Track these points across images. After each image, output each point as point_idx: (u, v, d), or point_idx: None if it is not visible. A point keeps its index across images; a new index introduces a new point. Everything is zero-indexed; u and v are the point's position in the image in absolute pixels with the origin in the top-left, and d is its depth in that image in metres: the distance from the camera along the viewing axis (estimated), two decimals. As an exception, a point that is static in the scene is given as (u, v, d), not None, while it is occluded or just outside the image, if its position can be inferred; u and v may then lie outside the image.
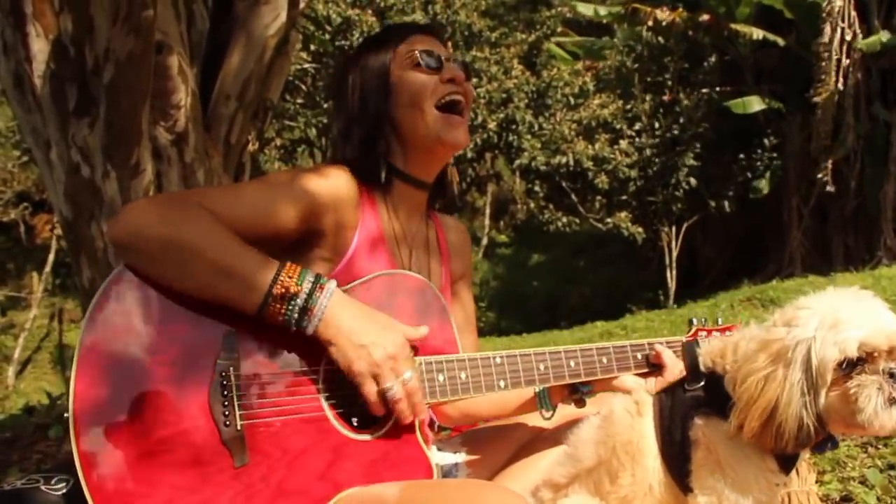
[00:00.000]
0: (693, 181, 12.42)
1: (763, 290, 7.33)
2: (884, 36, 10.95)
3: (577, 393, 1.73)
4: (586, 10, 13.52)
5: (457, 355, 1.54)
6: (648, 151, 12.58)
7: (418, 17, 11.88)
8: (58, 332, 14.92)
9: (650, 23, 12.38)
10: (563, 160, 12.14)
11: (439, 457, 1.76)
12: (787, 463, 1.41)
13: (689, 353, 1.52)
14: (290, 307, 1.35)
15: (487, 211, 18.86)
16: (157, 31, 2.62)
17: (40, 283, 14.40)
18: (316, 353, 1.40)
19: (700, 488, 1.41)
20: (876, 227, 11.74)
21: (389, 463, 1.44)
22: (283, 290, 1.34)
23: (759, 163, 12.34)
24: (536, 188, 13.70)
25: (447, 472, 1.74)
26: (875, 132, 11.75)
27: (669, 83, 12.83)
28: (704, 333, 1.84)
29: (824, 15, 11.14)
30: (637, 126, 12.78)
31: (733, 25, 11.91)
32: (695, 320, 1.88)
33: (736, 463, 1.38)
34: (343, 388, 1.43)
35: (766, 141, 12.27)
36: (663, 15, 12.31)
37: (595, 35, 15.77)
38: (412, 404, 1.41)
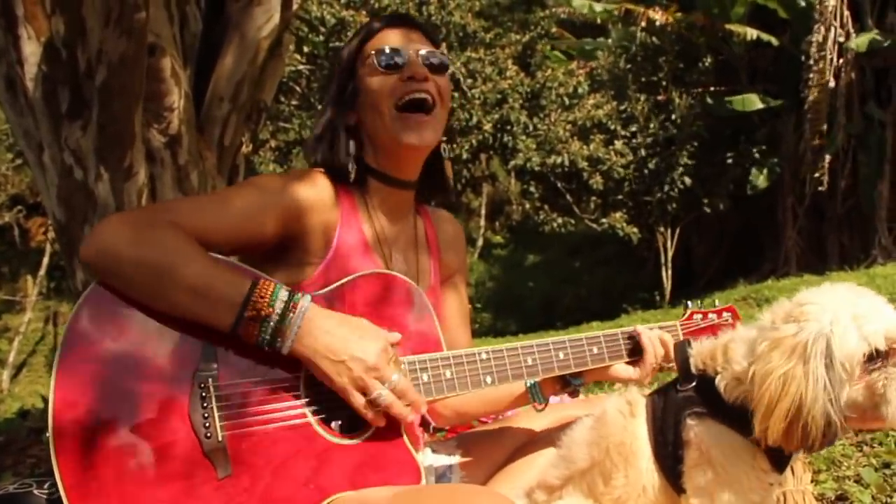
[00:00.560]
0: (688, 181, 12.44)
1: (758, 289, 7.35)
2: (874, 35, 10.97)
3: (570, 385, 1.72)
4: (581, 5, 13.54)
5: (441, 353, 1.52)
6: (643, 151, 12.59)
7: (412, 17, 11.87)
8: (52, 335, 14.89)
9: (643, 23, 12.40)
10: (558, 161, 12.14)
11: (433, 459, 1.76)
12: (780, 462, 1.41)
13: (680, 353, 1.51)
14: (263, 329, 1.33)
15: (483, 212, 18.86)
16: (149, 33, 2.61)
17: (35, 286, 14.37)
18: (296, 359, 1.39)
19: (692, 489, 1.41)
20: (871, 226, 11.76)
21: (376, 466, 1.42)
22: (255, 313, 1.32)
23: (751, 161, 12.36)
24: (531, 189, 13.70)
25: (441, 475, 1.73)
26: (869, 131, 11.77)
27: (664, 83, 12.85)
28: (700, 316, 1.84)
29: (817, 15, 11.16)
30: (632, 126, 12.79)
31: (727, 25, 11.93)
32: (690, 303, 1.87)
33: (728, 463, 1.38)
34: (325, 393, 1.41)
35: (757, 137, 12.29)
36: (656, 15, 12.33)
37: (589, 36, 15.79)
38: (410, 402, 1.40)
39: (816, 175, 11.36)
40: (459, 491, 1.40)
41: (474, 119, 11.90)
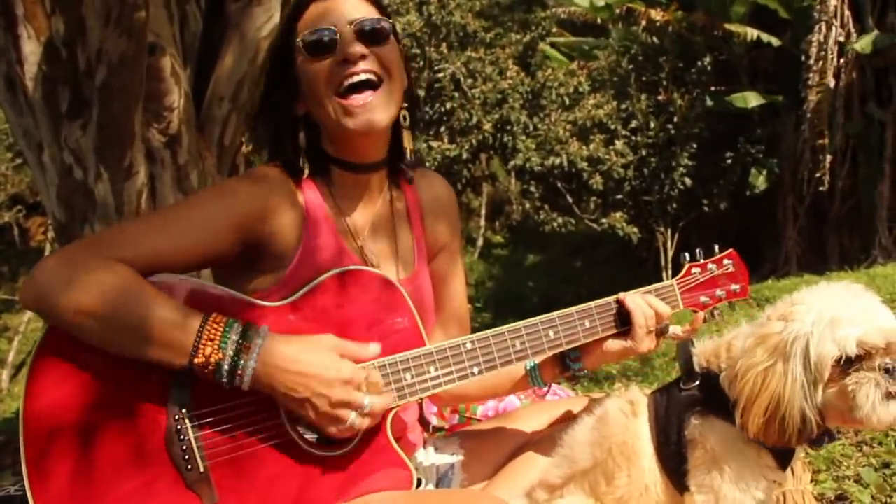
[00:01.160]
0: (688, 181, 12.43)
1: (759, 289, 7.34)
2: (876, 35, 10.97)
3: (569, 370, 1.66)
4: (582, 2, 13.55)
5: (423, 349, 1.45)
6: (643, 151, 12.59)
7: (412, 17, 11.88)
8: (53, 335, 14.84)
9: (644, 22, 12.40)
10: (558, 161, 12.13)
11: (435, 458, 1.75)
12: (783, 459, 1.41)
13: (683, 352, 1.50)
14: (217, 373, 1.26)
15: (483, 212, 18.85)
16: (149, 33, 2.61)
17: (35, 286, 14.32)
18: None
19: (697, 487, 1.41)
20: (871, 226, 11.76)
21: (365, 474, 1.40)
22: (204, 359, 1.26)
23: (751, 161, 12.36)
24: (532, 189, 13.69)
25: (443, 475, 1.73)
26: (869, 131, 11.77)
27: (664, 83, 12.84)
28: (698, 269, 1.75)
29: (818, 14, 11.16)
30: (632, 126, 12.79)
31: (727, 26, 11.93)
32: (686, 255, 1.76)
33: (733, 461, 1.38)
34: None
35: (757, 137, 12.29)
36: (657, 15, 12.33)
37: (590, 35, 15.78)
38: (381, 413, 1.36)
39: (818, 175, 11.36)
40: (456, 496, 1.39)
41: (474, 119, 11.90)
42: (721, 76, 13.09)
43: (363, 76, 1.45)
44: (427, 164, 11.55)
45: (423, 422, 2.15)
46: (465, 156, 12.16)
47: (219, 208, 1.41)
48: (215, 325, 1.27)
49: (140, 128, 2.68)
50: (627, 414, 1.50)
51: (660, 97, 12.85)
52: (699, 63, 12.67)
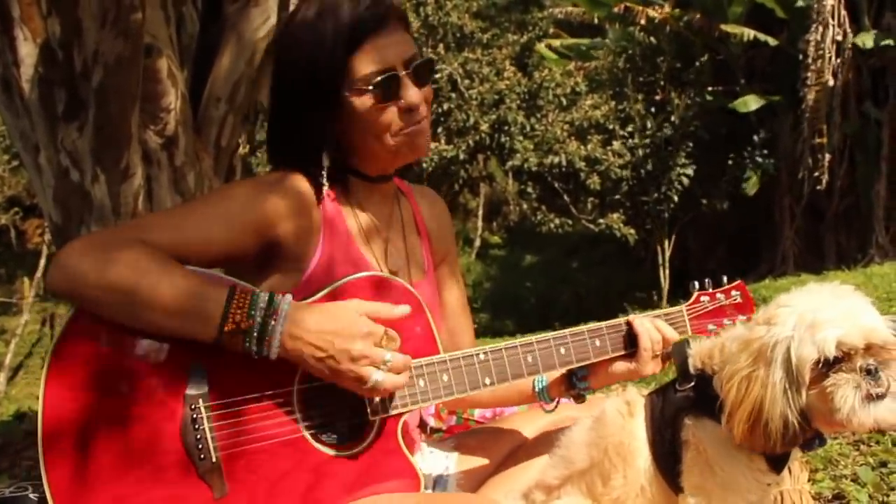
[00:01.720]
0: (685, 181, 12.45)
1: (756, 289, 7.35)
2: (872, 36, 11.01)
3: (575, 388, 1.69)
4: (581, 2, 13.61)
5: (437, 357, 1.47)
6: (641, 152, 12.60)
7: (409, 18, 11.87)
8: (49, 337, 14.86)
9: (643, 21, 12.42)
10: (556, 161, 12.14)
11: (430, 460, 1.75)
12: (777, 462, 1.41)
13: (679, 353, 1.51)
14: (247, 340, 1.29)
15: (480, 212, 18.87)
16: (146, 34, 2.61)
17: (31, 288, 14.34)
18: (287, 374, 1.37)
19: (690, 488, 1.41)
20: (868, 225, 11.79)
21: (374, 476, 1.41)
22: (234, 326, 1.29)
23: (748, 161, 12.38)
24: (529, 189, 13.71)
25: (437, 478, 1.73)
26: (866, 131, 11.80)
27: (661, 83, 12.86)
28: (707, 297, 1.78)
29: (815, 14, 11.19)
30: (629, 127, 12.80)
31: (724, 26, 11.95)
32: (696, 284, 1.79)
33: (725, 463, 1.38)
34: (318, 407, 1.39)
35: (755, 138, 12.31)
36: (655, 13, 12.34)
37: (587, 36, 15.80)
38: (405, 369, 1.38)
39: (817, 174, 11.38)
40: (461, 500, 1.39)
41: (471, 120, 11.91)
42: (718, 76, 13.11)
43: (418, 121, 1.52)
44: (424, 165, 11.56)
45: (421, 423, 2.15)
46: (462, 156, 12.17)
47: (238, 207, 1.44)
48: (243, 295, 1.30)
49: (137, 129, 2.68)
50: (624, 414, 1.50)
51: (657, 97, 12.86)
52: (696, 63, 12.69)
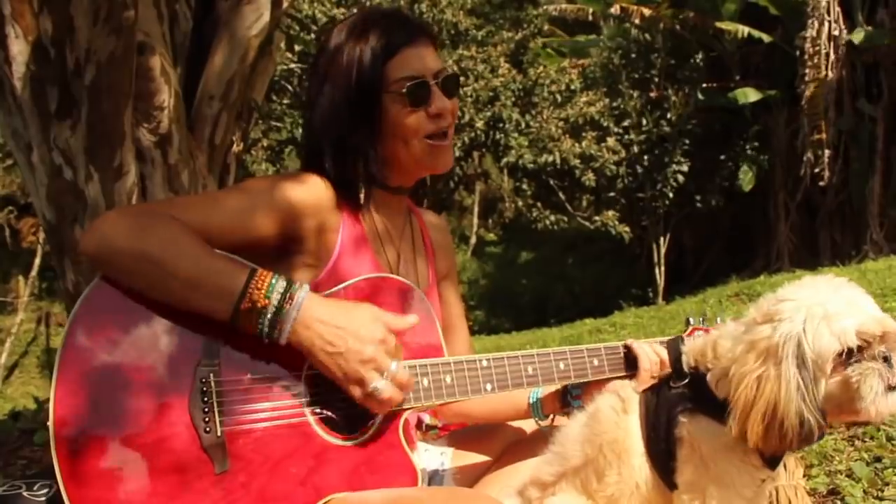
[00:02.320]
0: (680, 178, 12.47)
1: (751, 285, 7.37)
2: (868, 31, 11.03)
3: (569, 406, 1.73)
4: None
5: (441, 359, 1.51)
6: (635, 149, 12.62)
7: (404, 16, 11.84)
8: (45, 336, 14.84)
9: (637, 20, 12.43)
10: (551, 158, 12.16)
11: (426, 457, 1.76)
12: (772, 459, 1.41)
13: (673, 350, 1.52)
14: (261, 320, 1.33)
15: (475, 209, 18.89)
16: (138, 32, 2.60)
17: (26, 287, 14.32)
18: (297, 358, 1.39)
19: (684, 485, 1.41)
20: (862, 221, 11.83)
21: (373, 468, 1.42)
22: (251, 304, 1.32)
23: (743, 158, 12.41)
24: (524, 186, 13.73)
25: (433, 474, 1.73)
26: (860, 127, 11.83)
27: (656, 80, 12.87)
28: (701, 332, 1.82)
29: (811, 10, 11.21)
30: (624, 123, 12.82)
31: (719, 24, 11.97)
32: (692, 319, 1.86)
33: (719, 459, 1.38)
34: (325, 393, 1.41)
35: (749, 133, 12.34)
36: (649, 11, 12.36)
37: (581, 33, 15.81)
38: (404, 391, 1.39)
39: (817, 170, 11.41)
40: (458, 495, 1.40)
41: (466, 117, 11.91)
42: (713, 73, 13.14)
43: (448, 128, 1.62)
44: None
45: (417, 420, 2.16)
46: (457, 154, 12.16)
47: (267, 197, 1.48)
48: (262, 277, 1.34)
49: (130, 127, 2.67)
50: (618, 411, 1.50)
51: (652, 94, 12.88)
52: (691, 60, 12.71)
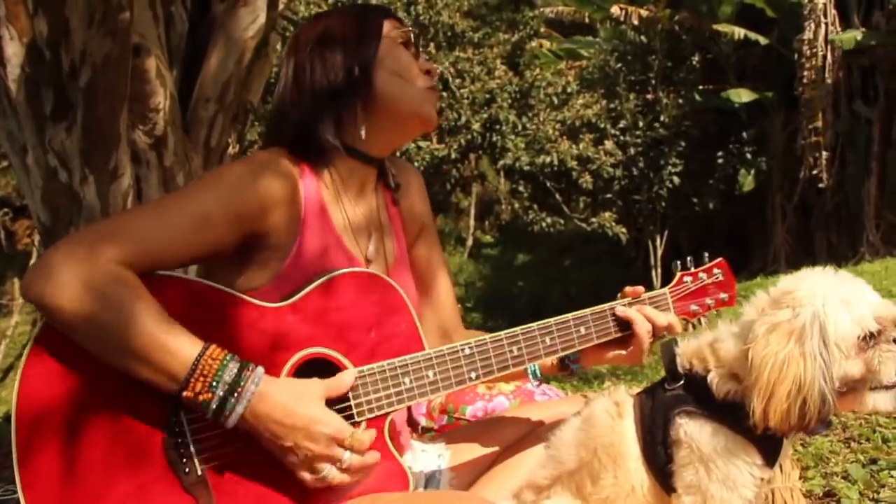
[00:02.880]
0: (677, 180, 12.48)
1: (748, 286, 7.37)
2: (859, 34, 11.06)
3: (568, 369, 1.72)
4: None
5: (422, 353, 1.46)
6: (632, 150, 12.63)
7: (400, 17, 11.85)
8: (41, 338, 14.74)
9: (635, 21, 12.45)
10: (548, 160, 12.16)
11: (422, 458, 1.75)
12: (771, 456, 1.42)
13: (667, 353, 1.51)
14: (205, 409, 1.25)
15: (472, 212, 18.88)
16: (134, 34, 2.60)
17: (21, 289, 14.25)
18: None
19: (684, 487, 1.41)
20: (858, 223, 11.85)
21: (364, 478, 1.39)
22: (193, 395, 1.24)
23: (740, 160, 12.44)
24: (521, 188, 13.73)
25: (430, 476, 1.72)
26: (856, 129, 11.85)
27: (653, 82, 12.89)
28: (690, 278, 1.77)
29: (807, 12, 11.24)
30: (621, 125, 12.83)
31: (715, 26, 11.99)
32: (679, 263, 1.78)
33: (720, 459, 1.38)
34: None
35: (745, 135, 12.37)
36: (646, 12, 12.38)
37: (578, 35, 15.82)
38: (359, 471, 1.36)
39: (815, 172, 11.43)
40: (451, 498, 1.39)
41: (463, 119, 11.90)
42: (709, 75, 13.16)
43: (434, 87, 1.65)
44: (416, 164, 11.56)
45: (412, 423, 2.15)
46: (453, 156, 12.17)
47: (218, 201, 1.38)
48: (210, 361, 1.25)
49: (125, 130, 2.66)
50: (613, 415, 1.50)
51: (648, 96, 12.90)
52: (687, 62, 12.73)
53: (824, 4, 11.29)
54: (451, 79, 11.94)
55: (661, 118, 12.56)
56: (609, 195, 12.92)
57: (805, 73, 11.36)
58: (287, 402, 1.29)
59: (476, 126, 11.96)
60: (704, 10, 12.34)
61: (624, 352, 1.67)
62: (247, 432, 1.30)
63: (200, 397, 1.24)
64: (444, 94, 12.01)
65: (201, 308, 1.31)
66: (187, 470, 1.27)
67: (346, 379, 1.38)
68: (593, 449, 1.47)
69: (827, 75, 11.34)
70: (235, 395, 1.25)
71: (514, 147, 12.21)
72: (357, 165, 1.59)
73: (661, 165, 12.52)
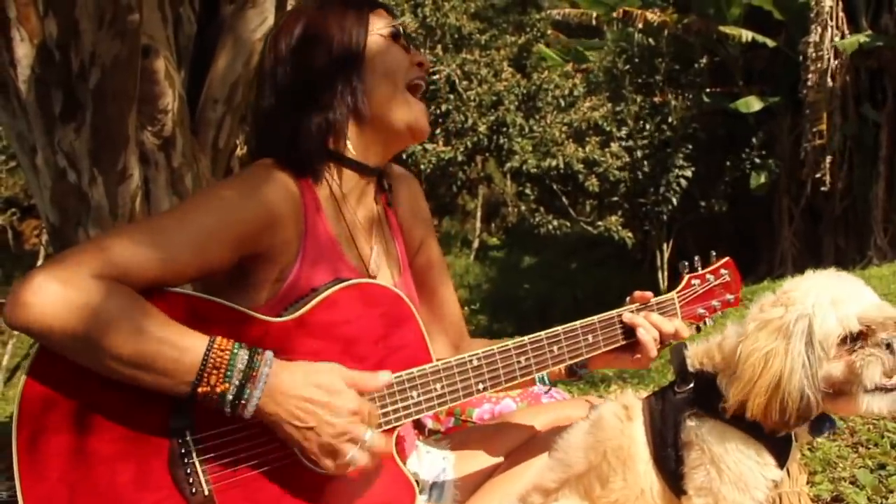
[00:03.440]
0: (684, 183, 12.46)
1: (754, 290, 7.35)
2: (862, 38, 11.03)
3: (575, 374, 1.71)
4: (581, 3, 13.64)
5: (430, 366, 1.43)
6: (639, 153, 12.62)
7: (407, 19, 11.88)
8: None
9: (641, 24, 12.44)
10: (554, 163, 12.15)
11: (427, 461, 1.75)
12: (781, 459, 1.41)
13: (676, 355, 1.50)
14: (222, 402, 1.23)
15: (478, 214, 18.87)
16: (143, 35, 2.60)
17: (29, 289, 14.28)
18: None
19: (695, 489, 1.40)
20: (866, 227, 11.81)
21: (370, 489, 1.39)
22: (209, 389, 1.21)
23: (748, 163, 12.41)
24: (527, 191, 13.72)
25: (434, 482, 1.72)
26: (864, 132, 11.82)
27: (660, 85, 12.87)
28: (698, 280, 1.76)
29: (814, 15, 11.21)
30: (627, 128, 12.82)
31: (722, 28, 11.97)
32: (686, 263, 1.77)
33: (732, 461, 1.38)
34: None
35: (754, 140, 12.33)
36: (653, 16, 12.37)
37: (585, 37, 15.82)
38: (383, 455, 1.35)
39: (819, 175, 11.40)
40: None
41: (469, 121, 11.90)
42: (716, 77, 13.14)
43: (423, 82, 1.59)
44: (422, 166, 11.56)
45: (419, 424, 2.15)
46: (460, 158, 12.17)
47: (217, 221, 1.34)
48: (220, 352, 1.22)
49: (134, 130, 2.67)
50: (622, 418, 1.49)
51: (655, 99, 12.88)
52: (695, 65, 12.70)
53: (832, 7, 11.26)
54: (457, 81, 11.94)
55: (669, 120, 12.54)
56: (615, 198, 12.90)
57: (810, 76, 11.33)
58: (303, 377, 1.27)
59: (483, 128, 11.96)
60: (712, 13, 12.32)
61: (631, 357, 1.67)
62: (263, 429, 1.28)
63: (218, 388, 1.21)
64: (451, 96, 12.02)
65: (205, 323, 1.27)
66: (194, 490, 1.26)
67: (379, 379, 1.35)
68: (602, 452, 1.47)
69: (832, 78, 11.30)
70: (250, 380, 1.23)
71: (521, 149, 12.21)
72: (355, 176, 1.56)
73: (667, 168, 12.50)
